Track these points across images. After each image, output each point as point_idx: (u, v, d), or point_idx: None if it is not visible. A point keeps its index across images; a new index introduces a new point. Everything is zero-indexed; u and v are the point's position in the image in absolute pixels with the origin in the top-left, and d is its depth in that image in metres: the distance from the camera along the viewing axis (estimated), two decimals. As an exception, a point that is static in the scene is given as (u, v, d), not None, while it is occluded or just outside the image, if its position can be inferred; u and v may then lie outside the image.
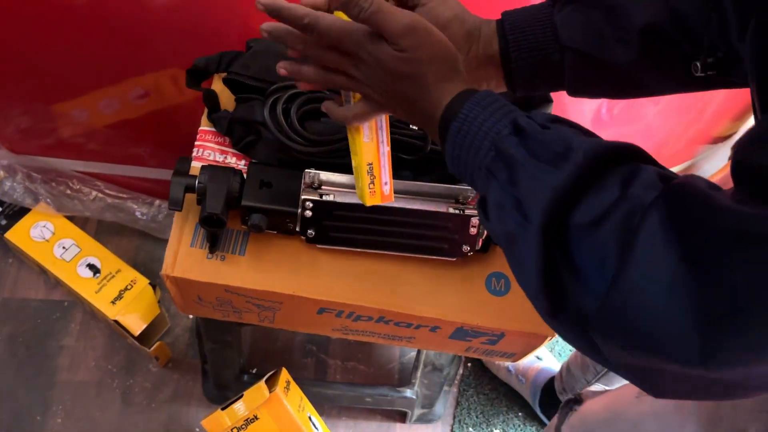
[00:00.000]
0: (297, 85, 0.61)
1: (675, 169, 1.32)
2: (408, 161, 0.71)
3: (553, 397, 1.08)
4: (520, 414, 1.16)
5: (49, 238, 1.11)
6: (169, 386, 1.13)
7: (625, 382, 0.65)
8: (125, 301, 1.07)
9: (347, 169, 0.66)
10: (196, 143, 0.72)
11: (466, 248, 0.69)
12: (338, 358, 1.18)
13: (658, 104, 1.09)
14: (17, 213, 1.12)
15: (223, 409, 0.89)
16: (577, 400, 0.82)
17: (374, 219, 0.67)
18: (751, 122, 1.24)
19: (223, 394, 1.08)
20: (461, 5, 0.58)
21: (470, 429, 1.14)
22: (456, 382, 1.17)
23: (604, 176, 0.38)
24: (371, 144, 0.56)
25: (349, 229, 0.68)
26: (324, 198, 0.66)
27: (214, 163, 0.71)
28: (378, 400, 1.08)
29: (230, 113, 0.71)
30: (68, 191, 1.12)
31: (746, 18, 0.41)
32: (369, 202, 0.57)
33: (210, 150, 0.72)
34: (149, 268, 1.20)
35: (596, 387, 0.96)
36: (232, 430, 0.89)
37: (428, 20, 0.49)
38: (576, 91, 0.58)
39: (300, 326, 0.79)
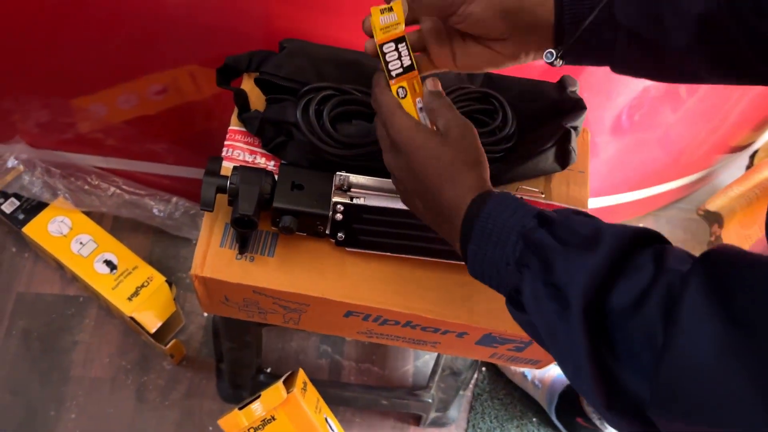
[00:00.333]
0: None
1: (692, 178, 1.32)
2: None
3: (571, 403, 1.07)
4: (534, 420, 1.15)
5: (66, 234, 1.11)
6: (183, 384, 1.12)
7: None
8: (141, 298, 1.06)
9: (378, 172, 0.66)
10: (226, 143, 0.72)
11: (495, 254, 0.68)
12: (353, 359, 1.18)
13: (678, 111, 1.09)
14: (35, 208, 1.11)
15: (240, 408, 0.89)
16: None
17: (404, 223, 0.67)
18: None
19: (238, 394, 1.08)
20: None
21: (484, 433, 1.14)
22: (470, 386, 1.17)
23: (636, 257, 0.39)
24: None
25: (379, 233, 0.67)
26: (354, 201, 0.66)
27: (244, 164, 0.71)
28: (394, 404, 1.07)
29: (261, 113, 0.71)
30: (86, 186, 1.11)
31: None
32: None
33: (240, 150, 0.72)
34: (165, 265, 1.19)
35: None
36: (249, 430, 0.89)
37: None
38: (622, 70, 0.56)
39: (324, 328, 0.79)
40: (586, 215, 0.45)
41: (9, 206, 1.12)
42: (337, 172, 0.66)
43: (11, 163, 1.09)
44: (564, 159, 0.73)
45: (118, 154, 1.12)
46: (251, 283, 0.67)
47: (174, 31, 0.87)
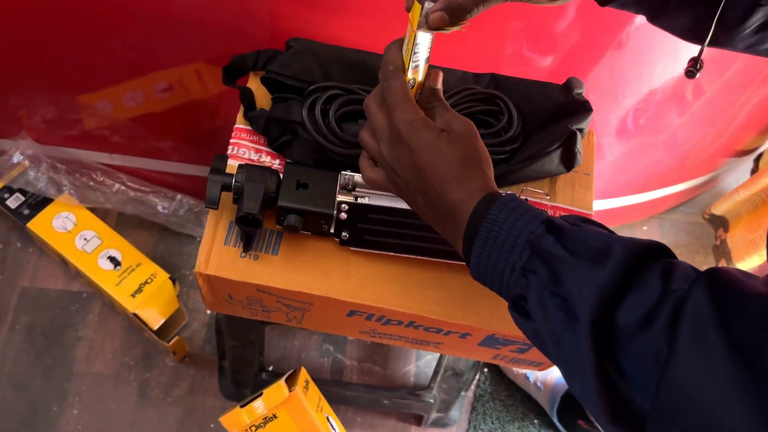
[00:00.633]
0: None
1: (698, 181, 1.32)
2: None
3: (572, 406, 1.07)
4: (535, 421, 1.15)
5: (71, 229, 1.11)
6: (186, 381, 1.13)
7: None
8: (145, 294, 1.07)
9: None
10: (231, 141, 0.72)
11: (499, 256, 0.68)
12: (355, 359, 1.18)
13: (683, 115, 1.09)
14: (40, 203, 1.12)
15: (242, 406, 0.89)
16: None
17: (409, 223, 0.67)
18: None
19: (240, 391, 1.08)
20: None
21: (485, 435, 1.14)
22: (472, 387, 1.17)
23: (644, 272, 0.39)
24: None
25: (384, 232, 0.67)
26: (359, 201, 0.66)
27: (250, 162, 0.71)
28: (395, 403, 1.08)
29: (267, 112, 0.71)
30: (91, 183, 1.12)
31: None
32: None
33: (245, 148, 0.72)
34: (168, 262, 1.20)
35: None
36: (250, 427, 0.89)
37: None
38: (656, 20, 0.55)
39: (328, 327, 0.79)
40: (594, 223, 0.45)
41: (14, 201, 1.12)
42: (342, 172, 0.66)
43: (17, 158, 1.10)
44: (569, 161, 0.73)
45: (123, 151, 1.12)
46: (255, 281, 0.67)
47: (181, 30, 0.87)
